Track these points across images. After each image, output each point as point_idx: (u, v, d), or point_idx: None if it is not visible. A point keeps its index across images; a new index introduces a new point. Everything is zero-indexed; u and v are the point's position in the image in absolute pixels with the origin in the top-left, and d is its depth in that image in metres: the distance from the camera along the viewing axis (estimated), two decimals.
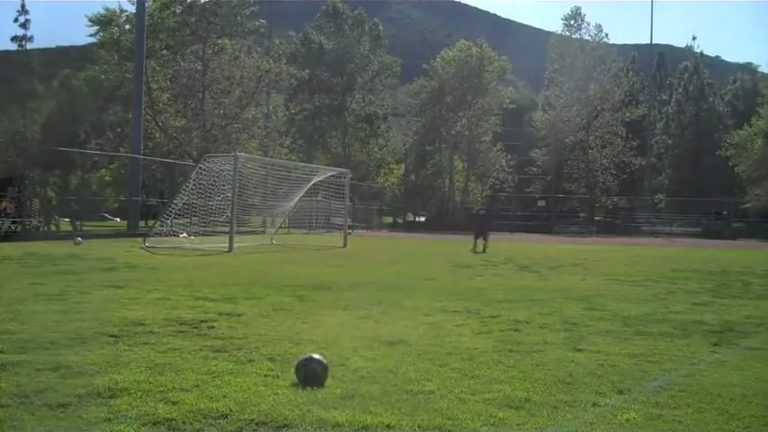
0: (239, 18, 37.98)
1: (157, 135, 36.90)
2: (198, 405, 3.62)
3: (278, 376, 4.28)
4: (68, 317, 6.26)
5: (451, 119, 51.68)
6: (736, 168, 49.01)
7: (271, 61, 39.06)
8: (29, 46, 50.40)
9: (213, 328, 5.94)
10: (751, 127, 48.52)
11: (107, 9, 37.75)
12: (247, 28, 38.66)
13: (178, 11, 37.38)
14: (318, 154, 52.21)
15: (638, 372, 4.69)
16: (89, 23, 37.82)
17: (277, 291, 8.72)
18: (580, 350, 5.37)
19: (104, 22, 37.60)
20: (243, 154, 24.05)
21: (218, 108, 37.11)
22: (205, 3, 37.84)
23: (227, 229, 19.27)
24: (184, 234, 20.04)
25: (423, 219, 57.71)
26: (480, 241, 20.35)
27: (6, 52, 55.72)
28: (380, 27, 58.58)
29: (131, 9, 36.39)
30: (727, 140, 49.77)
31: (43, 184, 50.22)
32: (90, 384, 3.95)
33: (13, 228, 22.87)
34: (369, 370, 4.51)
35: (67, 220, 28.89)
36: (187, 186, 20.07)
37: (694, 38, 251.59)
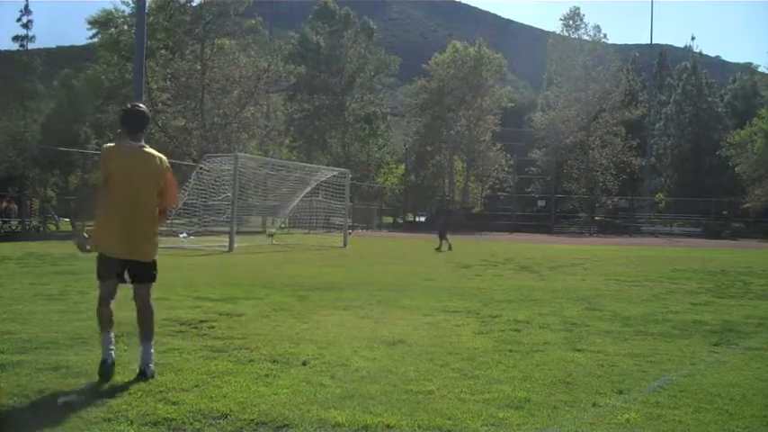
0: (235, 17, 38.00)
1: (157, 135, 36.90)
2: (198, 405, 3.62)
3: (278, 376, 4.28)
4: (68, 317, 6.26)
5: (451, 119, 51.65)
6: (736, 168, 48.98)
7: (269, 59, 39.04)
8: (30, 46, 50.44)
9: (213, 328, 5.93)
10: (751, 127, 48.48)
11: (104, 10, 37.90)
12: (244, 27, 38.68)
13: (173, 11, 37.42)
14: (318, 154, 52.20)
15: (638, 372, 4.69)
16: (88, 27, 37.99)
17: (277, 291, 8.72)
18: (580, 350, 5.37)
19: (102, 22, 37.65)
20: (243, 154, 24.03)
21: (217, 108, 37.12)
22: (201, 3, 37.92)
23: (227, 229, 19.27)
24: (184, 234, 20.06)
25: (423, 219, 57.71)
26: (444, 242, 20.73)
27: (8, 52, 55.72)
28: (372, 24, 58.54)
29: (128, 10, 36.57)
30: (727, 140, 49.73)
31: (43, 184, 50.24)
32: (90, 384, 3.95)
33: (12, 228, 22.87)
34: (369, 370, 4.51)
35: (67, 220, 28.89)
36: (187, 186, 20.08)
37: (693, 38, 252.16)
